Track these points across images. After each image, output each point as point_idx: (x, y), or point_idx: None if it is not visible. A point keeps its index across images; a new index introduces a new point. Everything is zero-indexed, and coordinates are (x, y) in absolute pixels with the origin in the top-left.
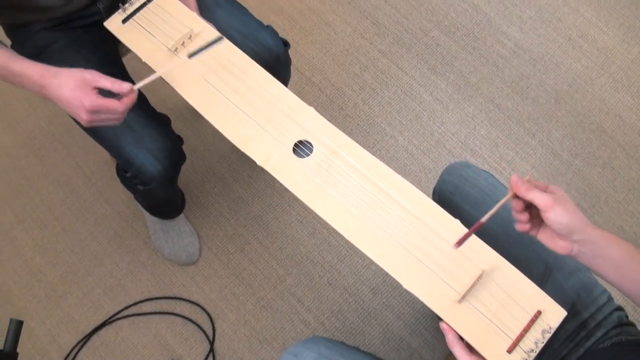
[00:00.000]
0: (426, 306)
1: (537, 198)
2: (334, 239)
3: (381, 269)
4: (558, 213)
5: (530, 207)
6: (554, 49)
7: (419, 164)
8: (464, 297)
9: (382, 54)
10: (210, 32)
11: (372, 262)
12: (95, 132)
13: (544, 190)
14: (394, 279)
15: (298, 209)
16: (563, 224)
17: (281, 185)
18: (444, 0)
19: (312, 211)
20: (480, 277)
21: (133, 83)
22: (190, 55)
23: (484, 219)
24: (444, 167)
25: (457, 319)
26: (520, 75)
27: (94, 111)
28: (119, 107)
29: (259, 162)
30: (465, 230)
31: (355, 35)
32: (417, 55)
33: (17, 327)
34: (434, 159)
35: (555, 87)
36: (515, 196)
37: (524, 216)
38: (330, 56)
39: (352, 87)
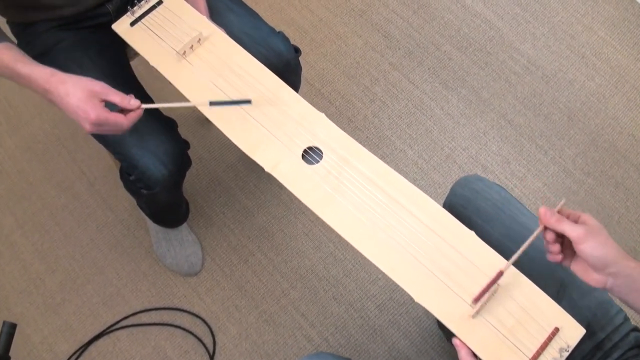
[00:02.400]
0: (434, 325)
1: (569, 230)
2: (340, 253)
3: (388, 285)
4: (591, 246)
5: (562, 237)
6: (567, 66)
7: (429, 178)
8: (478, 311)
9: (393, 67)
10: (219, 36)
11: (378, 278)
12: (100, 135)
13: (576, 220)
14: (401, 296)
15: (304, 222)
16: (597, 257)
17: (288, 196)
18: (457, 16)
19: (319, 224)
20: (495, 291)
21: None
22: (212, 104)
23: (504, 267)
24: (454, 182)
25: (470, 335)
26: (533, 92)
27: (98, 124)
28: (124, 122)
29: (266, 169)
30: (481, 242)
31: (366, 47)
32: (428, 69)
33: (10, 329)
34: (443, 174)
35: (568, 105)
36: (546, 228)
37: (556, 247)
38: (340, 68)
39: (362, 100)
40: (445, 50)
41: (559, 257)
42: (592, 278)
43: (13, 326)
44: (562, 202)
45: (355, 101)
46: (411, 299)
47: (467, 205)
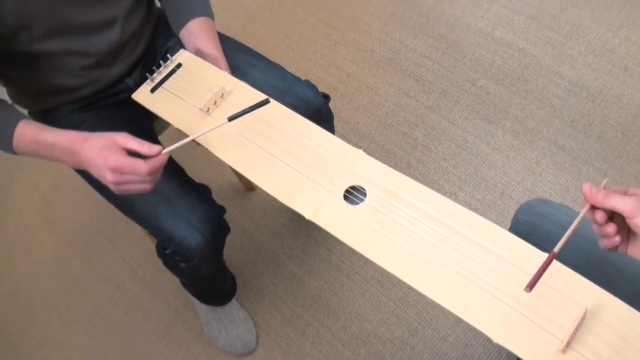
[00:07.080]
0: None
1: (619, 204)
2: (403, 311)
3: (459, 341)
4: None
5: (612, 219)
6: (611, 81)
7: (486, 219)
8: (568, 344)
9: (430, 110)
10: (243, 88)
11: (448, 334)
12: (132, 210)
13: (624, 194)
14: (474, 351)
15: (359, 282)
16: None
17: (338, 258)
18: (488, 49)
19: (375, 282)
20: (583, 317)
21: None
22: (230, 119)
23: (556, 249)
24: (516, 209)
25: None
26: (581, 113)
27: (117, 170)
28: (142, 167)
29: (307, 216)
30: (561, 266)
31: (399, 94)
32: (467, 106)
33: None
34: (500, 212)
35: (620, 121)
36: (593, 207)
37: (610, 228)
38: (375, 119)
39: (403, 147)
40: (481, 85)
41: (617, 239)
42: None
43: None
44: (605, 180)
45: (396, 150)
46: (486, 353)
47: (533, 232)
